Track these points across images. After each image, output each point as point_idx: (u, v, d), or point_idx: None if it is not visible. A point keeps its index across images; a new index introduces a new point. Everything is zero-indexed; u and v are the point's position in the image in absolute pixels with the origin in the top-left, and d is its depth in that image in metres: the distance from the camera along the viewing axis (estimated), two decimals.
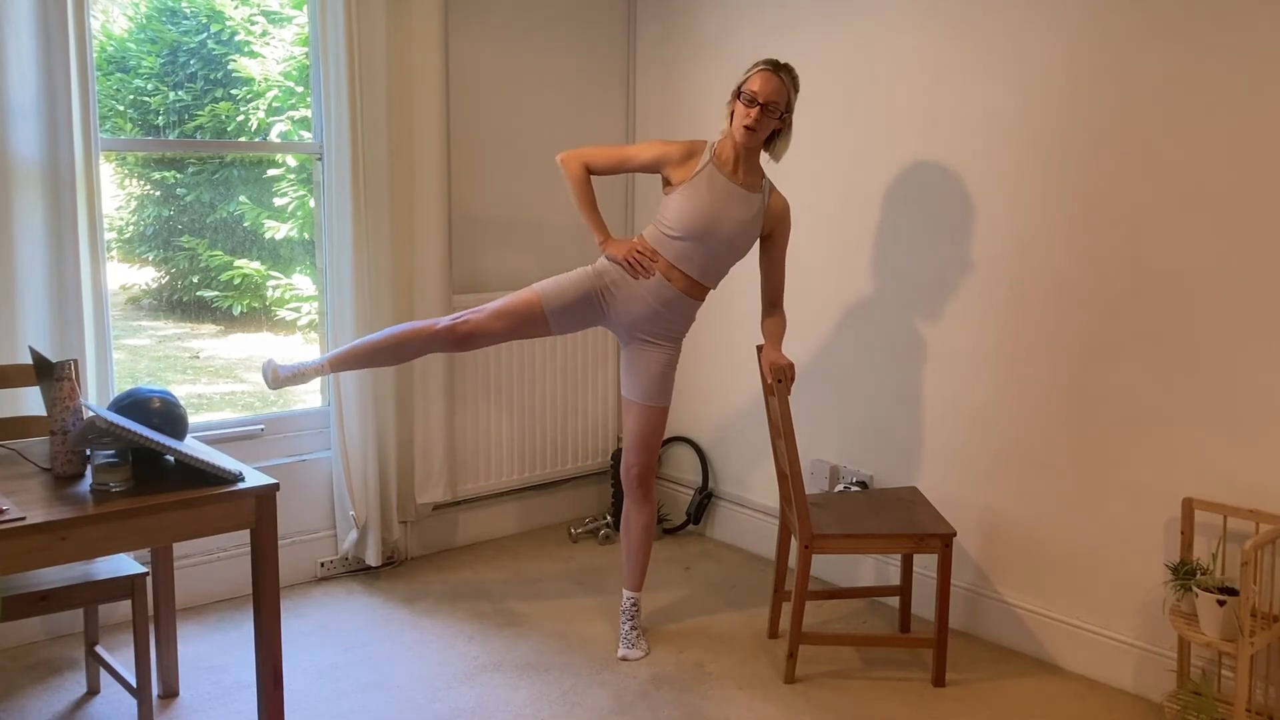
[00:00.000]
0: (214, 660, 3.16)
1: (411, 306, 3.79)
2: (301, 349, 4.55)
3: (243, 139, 4.11)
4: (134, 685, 2.66)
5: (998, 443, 3.32)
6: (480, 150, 4.02)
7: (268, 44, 4.12)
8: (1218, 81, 2.76)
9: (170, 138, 4.05)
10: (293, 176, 4.18)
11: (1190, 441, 2.89)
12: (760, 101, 3.00)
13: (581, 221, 3.20)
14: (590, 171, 3.15)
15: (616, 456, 4.36)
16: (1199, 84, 2.80)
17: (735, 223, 3.08)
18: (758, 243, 3.20)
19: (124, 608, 3.22)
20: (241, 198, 4.28)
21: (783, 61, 3.06)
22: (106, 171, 4.11)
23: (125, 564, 2.72)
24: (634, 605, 3.31)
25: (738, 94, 3.05)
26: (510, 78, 4.08)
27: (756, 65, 3.04)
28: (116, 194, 4.37)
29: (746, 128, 3.02)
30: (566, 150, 3.18)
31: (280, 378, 3.15)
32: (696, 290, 3.15)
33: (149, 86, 4.07)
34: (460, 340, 3.17)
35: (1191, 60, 2.80)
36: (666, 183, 3.15)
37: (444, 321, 3.17)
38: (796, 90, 3.08)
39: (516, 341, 4.09)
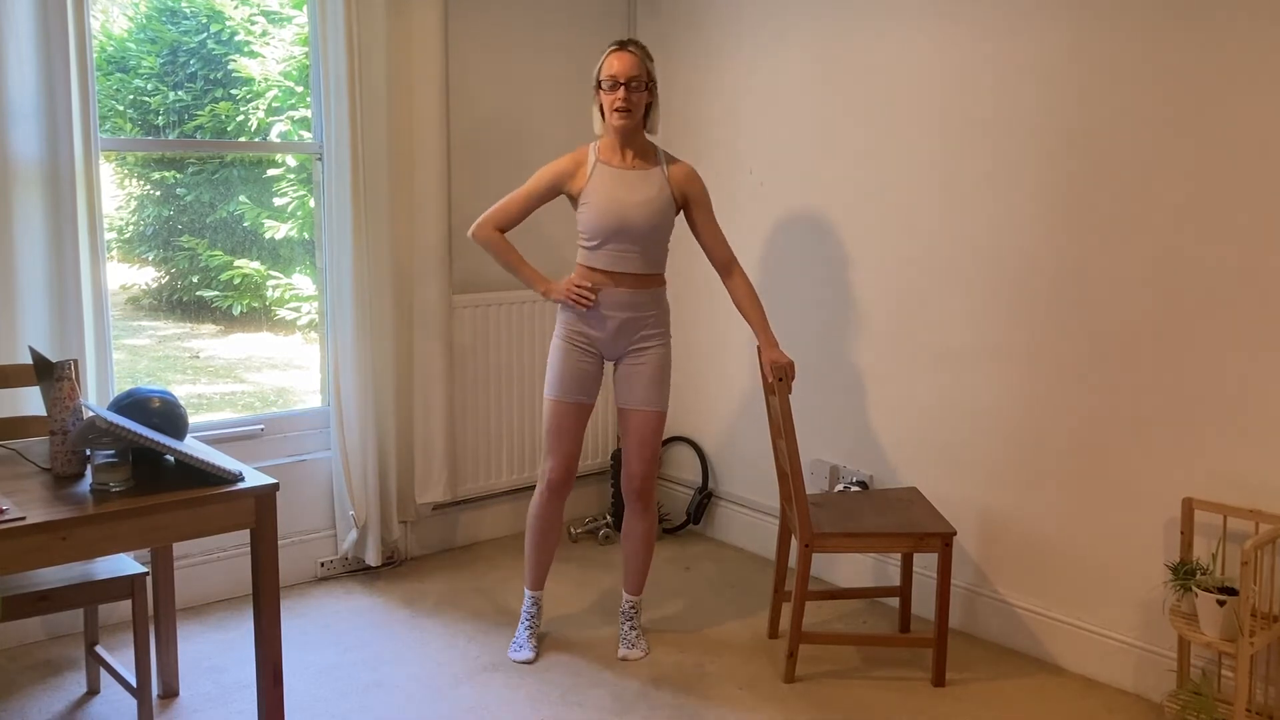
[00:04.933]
0: (214, 660, 3.16)
1: (411, 306, 3.79)
2: (301, 348, 4.56)
3: (243, 139, 4.11)
4: (134, 685, 2.65)
5: (998, 443, 3.32)
6: (480, 150, 4.02)
7: (268, 44, 4.12)
8: (1217, 79, 2.76)
9: (170, 138, 4.04)
10: (293, 176, 4.18)
11: (1190, 441, 2.89)
12: (622, 81, 3.01)
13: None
14: (502, 230, 3.14)
15: (616, 456, 4.36)
16: (1199, 81, 2.80)
17: (643, 204, 3.06)
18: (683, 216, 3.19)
19: (124, 608, 3.22)
20: (241, 198, 4.28)
21: (628, 37, 3.11)
22: (106, 171, 4.11)
23: (125, 564, 2.72)
24: (633, 607, 3.31)
25: (598, 85, 3.06)
26: (510, 78, 4.09)
27: (605, 51, 3.06)
28: (116, 194, 4.38)
29: (619, 110, 3.02)
30: (474, 223, 3.16)
31: (527, 642, 3.24)
32: (647, 281, 3.13)
33: (149, 86, 4.07)
34: (560, 488, 3.21)
35: (1190, 58, 2.80)
36: (574, 202, 3.13)
37: (541, 489, 3.22)
38: (651, 60, 3.09)
39: (514, 340, 4.12)
